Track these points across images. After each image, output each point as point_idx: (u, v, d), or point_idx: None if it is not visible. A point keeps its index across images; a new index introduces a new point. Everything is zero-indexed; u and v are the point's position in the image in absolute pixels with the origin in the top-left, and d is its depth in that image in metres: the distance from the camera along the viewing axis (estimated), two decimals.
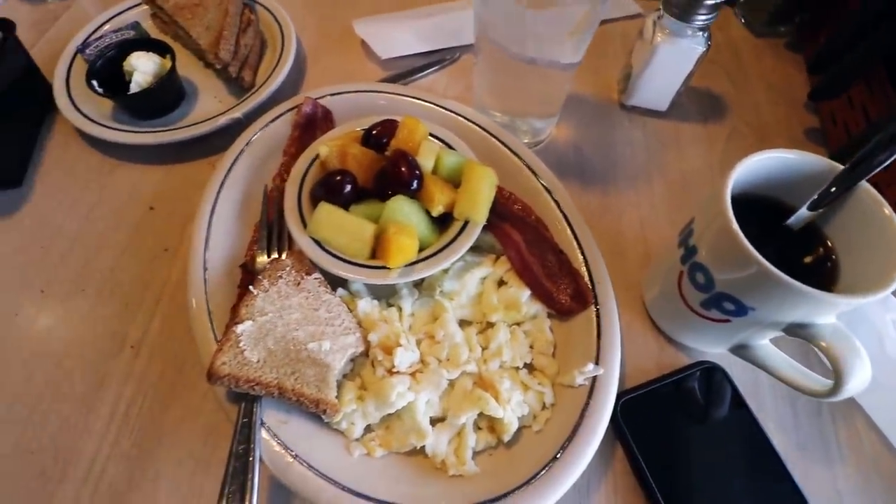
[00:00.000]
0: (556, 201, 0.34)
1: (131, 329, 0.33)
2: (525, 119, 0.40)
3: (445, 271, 0.32)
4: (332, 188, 0.30)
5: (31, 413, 0.31)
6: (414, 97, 0.40)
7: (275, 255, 0.32)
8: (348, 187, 0.31)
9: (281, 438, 0.26)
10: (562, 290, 0.31)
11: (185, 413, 0.30)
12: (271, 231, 0.34)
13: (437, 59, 0.47)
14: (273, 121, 0.38)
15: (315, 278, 0.30)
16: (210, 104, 0.43)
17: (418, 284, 0.32)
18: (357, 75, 0.47)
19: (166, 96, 0.41)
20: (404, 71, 0.47)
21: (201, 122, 0.40)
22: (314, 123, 0.39)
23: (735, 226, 0.24)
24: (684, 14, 0.37)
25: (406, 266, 0.29)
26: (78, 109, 0.41)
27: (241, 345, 0.26)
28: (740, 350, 0.31)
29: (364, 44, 0.48)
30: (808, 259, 0.28)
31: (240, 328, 0.27)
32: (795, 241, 0.28)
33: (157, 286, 0.35)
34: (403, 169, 0.30)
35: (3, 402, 0.31)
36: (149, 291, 0.35)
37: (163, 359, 0.32)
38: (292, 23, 0.46)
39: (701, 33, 0.38)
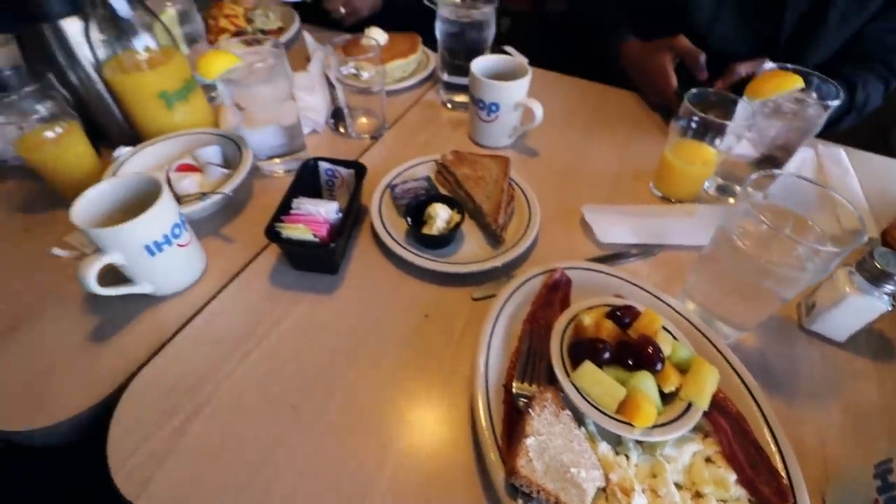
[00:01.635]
0: (756, 401, 0.43)
1: (409, 411, 0.45)
2: (722, 323, 0.51)
3: None
4: (595, 351, 0.42)
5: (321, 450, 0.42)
6: (633, 283, 0.52)
7: (526, 384, 0.43)
8: (606, 354, 0.42)
9: None
10: (762, 482, 0.38)
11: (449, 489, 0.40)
12: (526, 363, 0.45)
13: (643, 250, 0.60)
14: (533, 278, 0.52)
15: (567, 414, 0.41)
16: (473, 248, 0.58)
17: (642, 441, 0.41)
18: (576, 248, 0.61)
19: (450, 239, 0.57)
20: (613, 254, 0.60)
21: (470, 262, 0.55)
22: (558, 286, 0.52)
23: None
24: (875, 280, 0.46)
25: (646, 428, 0.39)
26: (386, 230, 0.58)
27: (530, 454, 0.36)
28: None
29: (584, 223, 0.63)
30: None
31: (528, 441, 0.37)
32: None
33: (427, 381, 0.47)
34: (651, 351, 0.41)
35: (307, 449, 0.43)
36: (421, 384, 0.47)
37: (431, 445, 0.43)
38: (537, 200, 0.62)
39: (887, 296, 0.47)
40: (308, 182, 0.60)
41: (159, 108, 0.65)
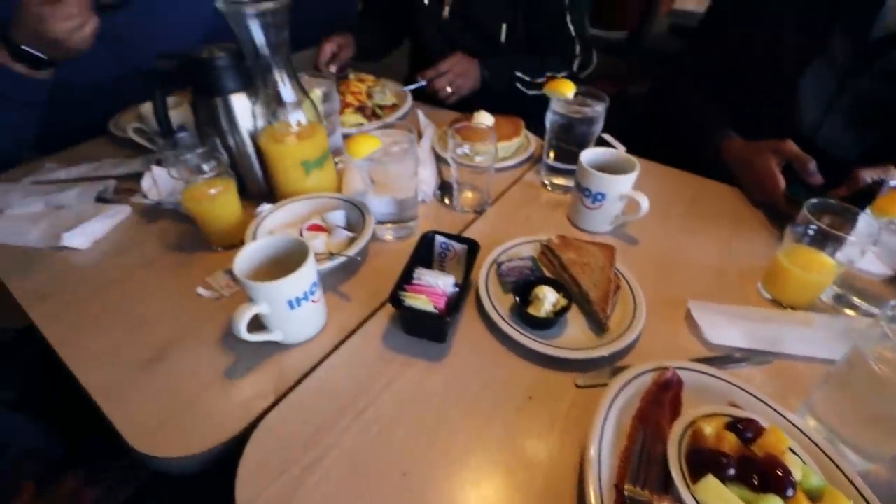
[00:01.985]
0: None
1: (514, 493, 0.45)
2: (849, 449, 0.47)
3: None
4: (719, 465, 0.41)
5: None
6: (750, 392, 0.51)
7: (638, 487, 0.43)
8: (731, 471, 0.40)
9: None
10: None
11: None
12: (638, 464, 0.44)
13: (752, 355, 0.58)
14: (642, 374, 0.52)
15: None
16: (576, 333, 0.59)
17: None
18: (680, 345, 0.60)
19: (555, 322, 0.59)
20: (722, 356, 0.58)
21: (576, 348, 0.56)
22: (669, 386, 0.51)
23: None
24: None
25: None
26: (493, 306, 0.61)
27: None
28: None
29: (689, 319, 0.62)
30: None
31: None
32: None
33: (532, 464, 0.47)
34: (781, 474, 0.39)
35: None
36: (526, 466, 0.47)
37: None
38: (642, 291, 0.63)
39: None
40: (423, 252, 0.65)
41: (299, 173, 0.75)
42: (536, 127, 0.99)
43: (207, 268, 0.70)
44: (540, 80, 1.19)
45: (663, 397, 0.50)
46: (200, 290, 0.66)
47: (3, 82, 0.83)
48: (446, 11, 1.20)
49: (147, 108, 0.93)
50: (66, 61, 0.90)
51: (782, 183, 0.78)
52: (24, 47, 0.81)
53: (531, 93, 1.19)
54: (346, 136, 0.94)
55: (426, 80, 1.09)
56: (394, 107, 1.10)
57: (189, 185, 0.69)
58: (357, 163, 0.66)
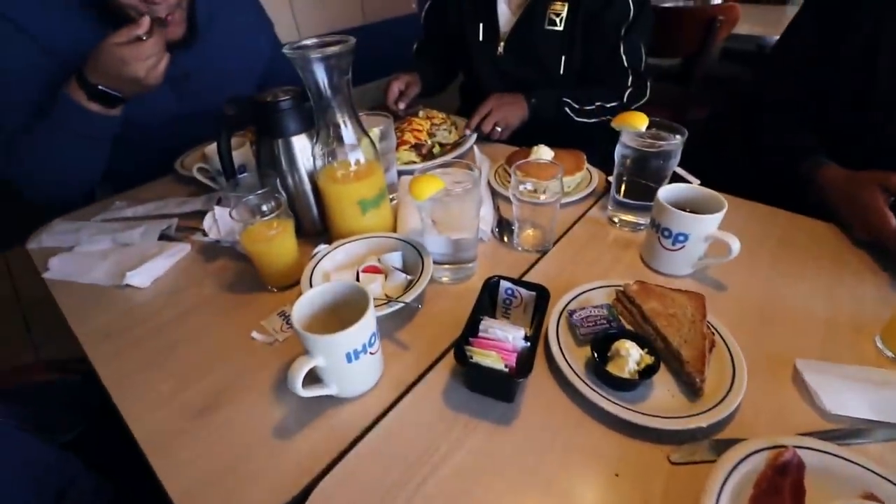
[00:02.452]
0: None
1: None
2: None
3: None
4: None
5: None
6: (889, 479, 0.42)
7: None
8: None
9: None
10: None
11: None
12: None
13: (880, 430, 0.49)
14: (754, 454, 0.44)
15: None
16: (665, 397, 0.52)
17: None
18: (788, 414, 0.51)
19: (639, 383, 0.52)
20: (843, 430, 0.49)
21: (667, 416, 0.49)
22: (787, 469, 0.43)
23: None
24: None
25: None
26: (567, 363, 0.54)
27: None
28: None
29: (797, 382, 0.54)
30: None
31: None
32: None
33: None
34: None
35: None
36: None
37: None
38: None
39: None
40: (485, 299, 0.60)
41: (355, 212, 0.73)
42: (587, 157, 0.94)
43: (262, 308, 0.68)
44: (588, 108, 1.14)
45: (782, 484, 0.42)
46: (255, 335, 0.64)
47: (80, 122, 0.87)
48: (501, 47, 1.19)
49: (212, 149, 0.95)
50: (139, 107, 0.94)
51: (892, 221, 0.68)
52: (100, 87, 0.84)
53: (579, 120, 1.15)
54: (400, 174, 0.92)
55: (473, 129, 1.08)
56: (455, 145, 1.08)
57: (248, 226, 0.68)
58: (419, 203, 0.62)
